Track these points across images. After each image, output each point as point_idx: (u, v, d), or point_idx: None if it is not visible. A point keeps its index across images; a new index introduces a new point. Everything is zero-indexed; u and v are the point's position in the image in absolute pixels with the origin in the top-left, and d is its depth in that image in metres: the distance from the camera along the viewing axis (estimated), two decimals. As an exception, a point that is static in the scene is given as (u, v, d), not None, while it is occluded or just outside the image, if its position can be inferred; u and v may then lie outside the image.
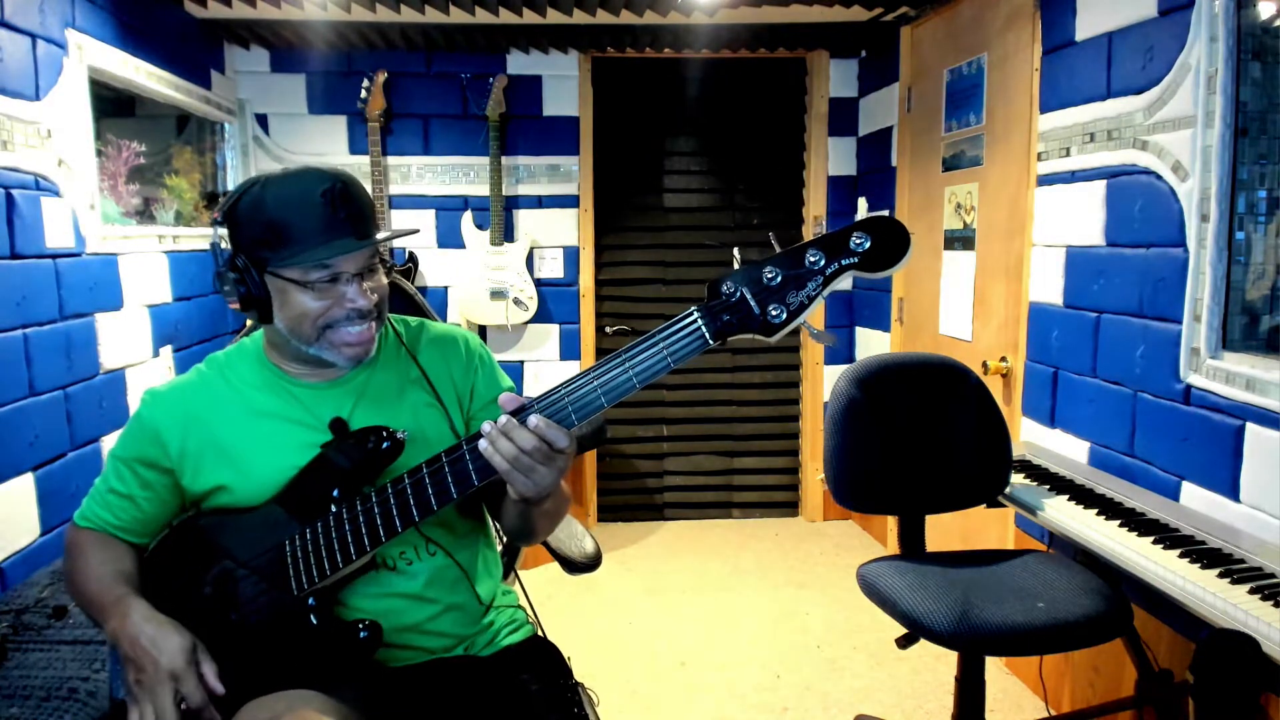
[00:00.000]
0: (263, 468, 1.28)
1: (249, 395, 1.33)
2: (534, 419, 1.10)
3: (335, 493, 1.23)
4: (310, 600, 1.23)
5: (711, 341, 1.08)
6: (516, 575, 1.71)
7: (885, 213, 1.11)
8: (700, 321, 1.08)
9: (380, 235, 1.30)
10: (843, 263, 1.06)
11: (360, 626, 1.23)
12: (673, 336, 1.09)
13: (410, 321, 1.44)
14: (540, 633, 1.47)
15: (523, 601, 1.52)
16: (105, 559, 1.31)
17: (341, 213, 1.23)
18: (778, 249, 1.09)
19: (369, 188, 2.86)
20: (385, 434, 1.24)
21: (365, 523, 1.20)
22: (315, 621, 1.23)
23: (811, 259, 1.06)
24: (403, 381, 1.36)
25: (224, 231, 1.27)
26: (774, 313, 1.07)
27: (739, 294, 1.08)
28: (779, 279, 1.07)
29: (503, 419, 1.11)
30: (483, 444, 1.11)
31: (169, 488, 1.32)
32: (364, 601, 1.28)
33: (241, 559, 1.24)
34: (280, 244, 1.22)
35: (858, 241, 1.06)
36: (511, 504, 1.22)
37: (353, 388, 1.34)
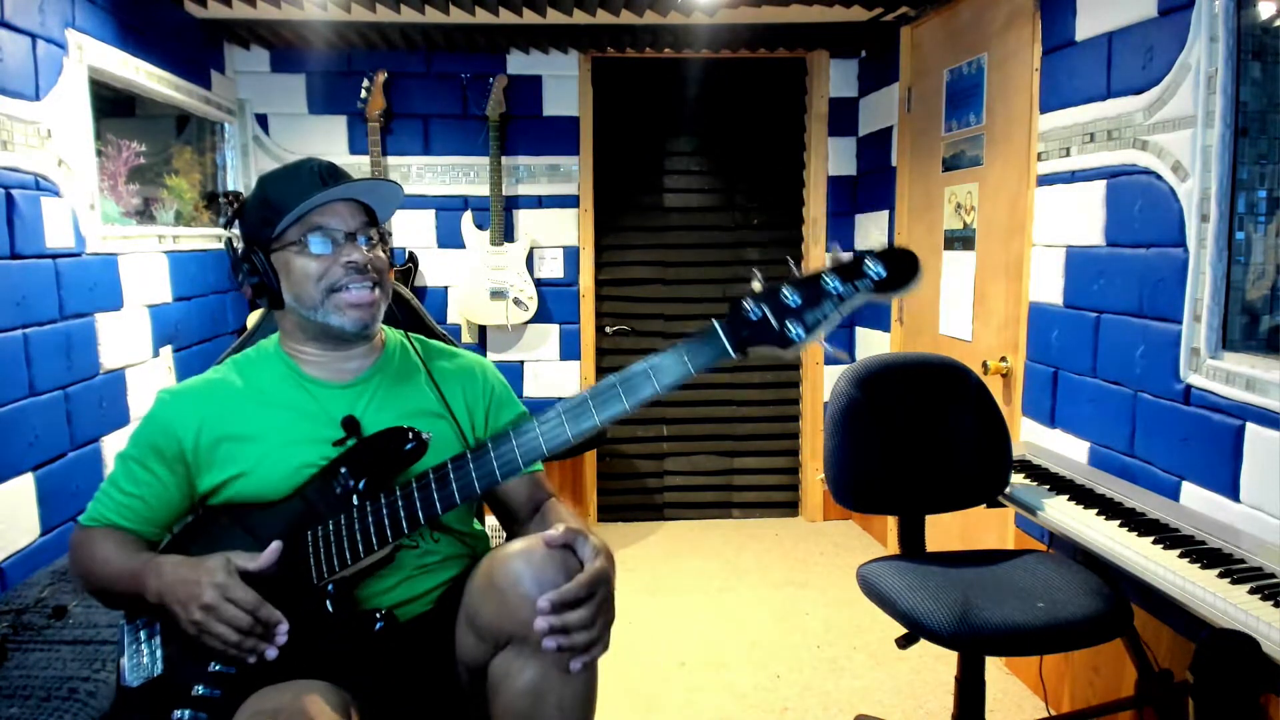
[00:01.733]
0: (274, 457, 1.31)
1: (264, 387, 1.37)
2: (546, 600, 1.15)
3: (361, 485, 1.27)
4: (329, 588, 1.25)
5: (733, 354, 1.15)
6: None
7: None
8: (722, 333, 1.15)
9: (362, 184, 1.36)
10: (858, 285, 1.13)
11: (377, 616, 1.25)
12: (694, 347, 1.16)
13: (429, 342, 1.51)
14: None
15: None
16: (118, 540, 1.32)
17: (330, 182, 1.32)
18: (797, 274, 1.16)
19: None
20: (412, 434, 1.29)
21: (389, 515, 1.24)
22: (331, 609, 1.25)
23: (828, 283, 1.13)
24: (414, 390, 1.42)
25: (236, 231, 1.38)
26: (792, 329, 1.14)
27: (760, 312, 1.14)
28: (798, 300, 1.14)
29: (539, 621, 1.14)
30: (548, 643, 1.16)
31: (179, 486, 1.34)
32: (375, 582, 1.30)
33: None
34: (276, 218, 1.31)
35: (873, 268, 1.12)
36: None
37: (365, 390, 1.39)
